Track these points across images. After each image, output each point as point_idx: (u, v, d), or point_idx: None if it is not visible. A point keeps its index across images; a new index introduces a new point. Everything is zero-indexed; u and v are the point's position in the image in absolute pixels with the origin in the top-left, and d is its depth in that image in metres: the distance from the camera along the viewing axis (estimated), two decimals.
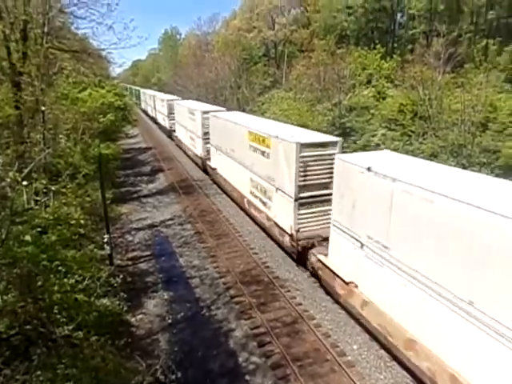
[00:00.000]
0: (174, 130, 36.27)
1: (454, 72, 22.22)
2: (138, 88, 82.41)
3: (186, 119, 29.04)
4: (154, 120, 52.05)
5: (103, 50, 15.71)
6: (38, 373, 5.55)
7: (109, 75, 29.48)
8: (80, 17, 14.18)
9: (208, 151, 23.74)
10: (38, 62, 13.23)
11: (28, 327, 6.16)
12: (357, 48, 33.46)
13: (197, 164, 27.63)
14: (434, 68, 21.41)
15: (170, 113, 37.86)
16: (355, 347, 9.23)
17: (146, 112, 66.28)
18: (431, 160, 17.51)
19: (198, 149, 26.36)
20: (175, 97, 44.33)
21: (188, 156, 30.69)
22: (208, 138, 23.29)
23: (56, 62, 15.13)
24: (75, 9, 14.14)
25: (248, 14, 53.78)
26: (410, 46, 33.64)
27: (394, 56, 31.08)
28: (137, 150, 37.01)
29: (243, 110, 32.88)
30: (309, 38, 40.54)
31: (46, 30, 13.17)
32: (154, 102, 49.88)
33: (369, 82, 29.30)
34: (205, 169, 25.11)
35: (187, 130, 29.27)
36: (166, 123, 41.10)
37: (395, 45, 36.11)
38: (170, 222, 17.80)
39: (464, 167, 16.00)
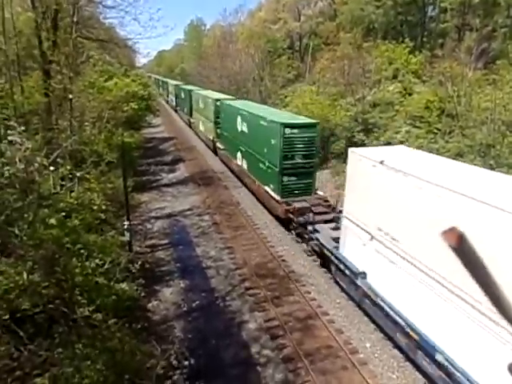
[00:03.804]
0: None
1: (486, 68, 21.30)
2: (218, 96, 27.90)
3: None
4: None
5: (129, 39, 16.00)
6: (59, 350, 5.82)
7: (134, 65, 29.79)
8: (108, 6, 14.46)
9: None
10: (66, 51, 13.59)
11: (51, 306, 6.44)
12: (384, 41, 32.46)
13: None
14: (465, 64, 20.57)
15: None
16: (368, 345, 9.18)
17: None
18: (457, 159, 16.95)
19: None
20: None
21: None
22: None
23: (84, 51, 15.49)
24: None
25: (274, 5, 53.13)
26: (440, 41, 32.37)
27: (424, 50, 30.02)
28: None
29: (265, 103, 32.65)
30: (335, 30, 39.58)
31: (75, 19, 13.48)
32: None
33: (395, 77, 28.46)
34: None
35: None
36: None
37: (425, 39, 34.80)
38: (188, 213, 18.05)
39: (491, 168, 15.37)
